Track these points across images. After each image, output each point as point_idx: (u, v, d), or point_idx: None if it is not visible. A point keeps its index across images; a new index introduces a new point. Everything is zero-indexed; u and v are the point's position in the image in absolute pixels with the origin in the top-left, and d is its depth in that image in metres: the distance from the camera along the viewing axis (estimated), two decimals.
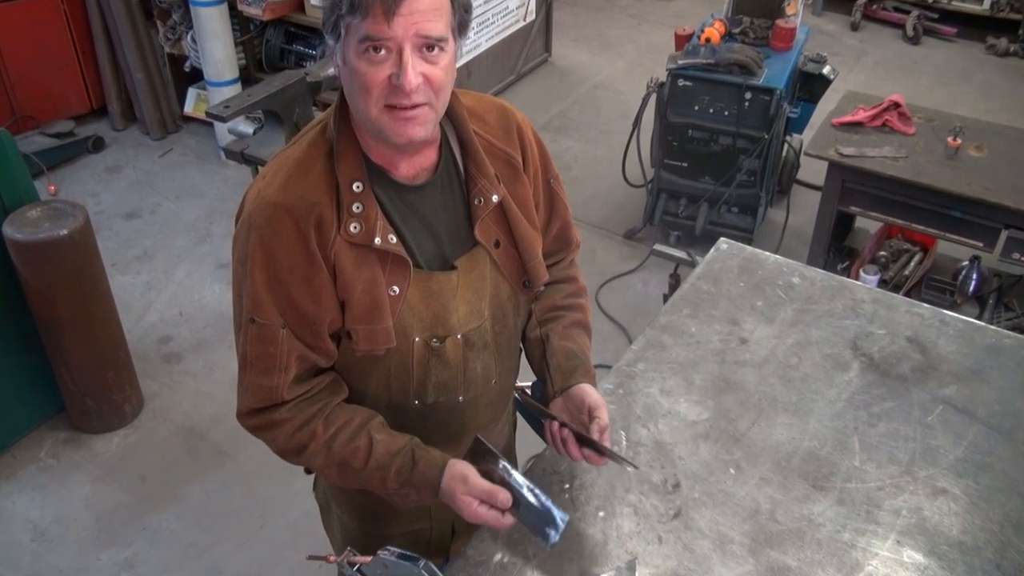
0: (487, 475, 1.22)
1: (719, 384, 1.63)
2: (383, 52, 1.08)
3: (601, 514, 1.37)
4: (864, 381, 1.62)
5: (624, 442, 1.50)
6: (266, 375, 1.19)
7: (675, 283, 2.88)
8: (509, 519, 1.22)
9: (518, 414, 1.56)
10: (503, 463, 1.22)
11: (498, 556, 1.30)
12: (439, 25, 1.08)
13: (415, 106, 1.10)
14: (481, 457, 1.24)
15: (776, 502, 1.40)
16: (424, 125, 1.13)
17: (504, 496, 1.20)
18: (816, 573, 1.30)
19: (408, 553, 1.19)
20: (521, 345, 1.43)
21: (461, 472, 1.21)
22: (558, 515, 1.21)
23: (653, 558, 1.31)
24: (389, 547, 1.20)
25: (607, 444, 1.28)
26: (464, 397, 1.33)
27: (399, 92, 1.09)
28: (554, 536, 1.21)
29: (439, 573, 1.18)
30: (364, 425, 1.23)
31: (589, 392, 1.32)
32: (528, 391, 1.47)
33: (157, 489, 2.67)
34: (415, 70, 1.08)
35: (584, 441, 1.28)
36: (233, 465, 2.73)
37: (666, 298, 2.60)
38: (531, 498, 1.21)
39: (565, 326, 1.40)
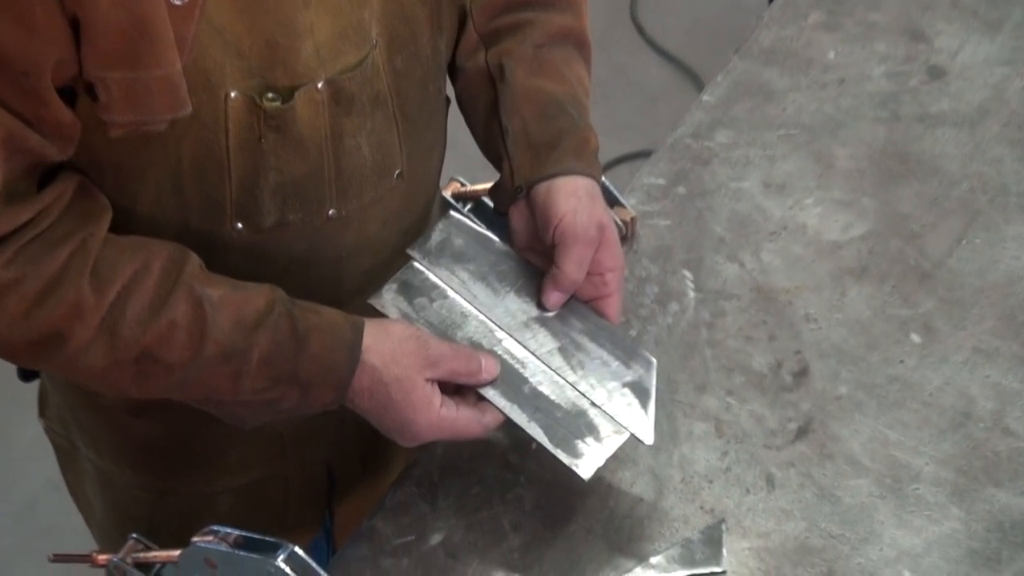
0: None
1: (886, 164, 1.65)
2: None
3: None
4: None
5: (691, 292, 1.51)
6: None
7: None
8: (494, 417, 1.32)
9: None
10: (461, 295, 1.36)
11: (442, 535, 1.32)
12: None
13: None
14: (418, 295, 1.36)
15: (1006, 395, 1.43)
16: None
17: (491, 362, 1.32)
18: None
19: (255, 536, 1.22)
20: (450, 94, 1.44)
21: (414, 334, 1.31)
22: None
23: (757, 518, 1.34)
24: (215, 527, 1.22)
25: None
26: (338, 210, 1.34)
27: None
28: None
29: (319, 571, 1.21)
30: (175, 273, 1.25)
31: (560, 197, 1.35)
32: (487, 196, 1.48)
33: None
34: None
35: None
36: None
37: None
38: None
39: (537, 45, 1.41)
